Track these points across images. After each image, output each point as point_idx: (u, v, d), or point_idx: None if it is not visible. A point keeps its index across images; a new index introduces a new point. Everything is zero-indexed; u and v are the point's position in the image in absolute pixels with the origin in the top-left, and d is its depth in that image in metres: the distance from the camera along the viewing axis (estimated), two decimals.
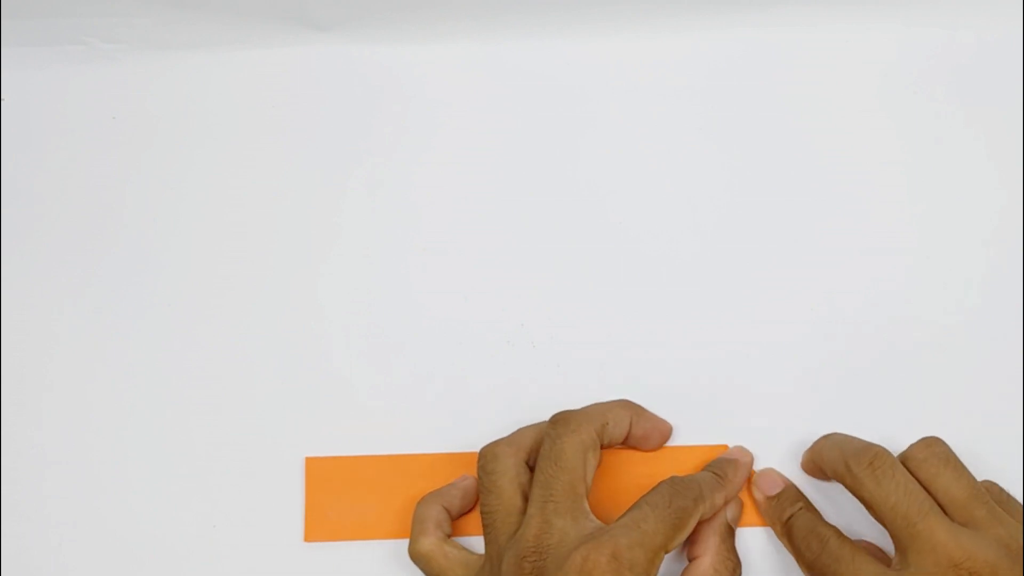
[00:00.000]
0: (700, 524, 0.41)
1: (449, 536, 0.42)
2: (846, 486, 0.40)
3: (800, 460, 0.44)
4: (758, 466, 0.44)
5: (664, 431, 0.44)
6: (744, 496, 0.43)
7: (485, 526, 0.40)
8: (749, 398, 0.45)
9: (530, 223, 0.48)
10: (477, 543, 0.42)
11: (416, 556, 0.41)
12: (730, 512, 0.42)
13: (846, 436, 0.42)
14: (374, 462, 0.44)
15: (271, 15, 0.49)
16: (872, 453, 0.40)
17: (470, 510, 0.43)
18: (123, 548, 0.44)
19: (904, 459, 0.40)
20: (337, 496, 0.44)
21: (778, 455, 0.44)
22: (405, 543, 0.42)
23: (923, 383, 0.45)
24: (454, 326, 0.46)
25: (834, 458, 0.41)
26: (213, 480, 0.44)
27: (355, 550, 0.43)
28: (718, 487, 0.41)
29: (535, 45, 0.50)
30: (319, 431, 0.45)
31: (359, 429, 0.45)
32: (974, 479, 0.40)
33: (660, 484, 0.40)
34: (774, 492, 0.42)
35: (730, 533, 0.41)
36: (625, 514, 0.38)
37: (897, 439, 0.44)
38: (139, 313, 0.46)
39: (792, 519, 0.41)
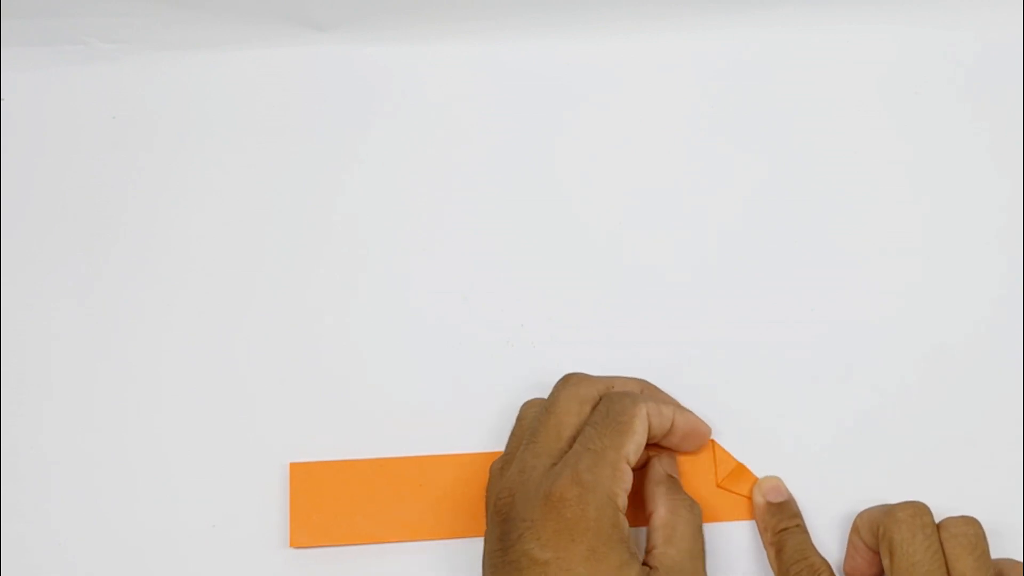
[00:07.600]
0: (644, 483, 0.41)
1: None
2: (882, 530, 0.40)
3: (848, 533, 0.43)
4: (759, 471, 0.44)
5: (704, 433, 0.43)
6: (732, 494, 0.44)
7: None
8: (748, 398, 0.45)
9: (530, 223, 0.48)
10: None
11: None
12: (665, 463, 0.42)
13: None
14: (359, 466, 0.44)
15: (271, 15, 0.49)
16: (918, 508, 0.40)
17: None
18: (121, 549, 0.44)
19: (939, 524, 0.40)
20: (323, 501, 0.43)
21: (777, 456, 0.44)
22: (392, 547, 0.42)
23: (924, 383, 0.45)
24: (453, 326, 0.46)
25: (880, 512, 0.41)
26: (202, 484, 0.44)
27: (342, 555, 0.43)
28: (654, 394, 0.42)
29: (535, 45, 0.50)
30: (313, 435, 0.45)
31: (356, 432, 0.45)
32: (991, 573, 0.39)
33: (598, 403, 0.40)
34: (777, 500, 0.43)
35: (673, 481, 0.41)
36: (576, 441, 0.39)
37: (898, 439, 0.45)
38: (138, 313, 0.46)
39: (786, 532, 0.42)
